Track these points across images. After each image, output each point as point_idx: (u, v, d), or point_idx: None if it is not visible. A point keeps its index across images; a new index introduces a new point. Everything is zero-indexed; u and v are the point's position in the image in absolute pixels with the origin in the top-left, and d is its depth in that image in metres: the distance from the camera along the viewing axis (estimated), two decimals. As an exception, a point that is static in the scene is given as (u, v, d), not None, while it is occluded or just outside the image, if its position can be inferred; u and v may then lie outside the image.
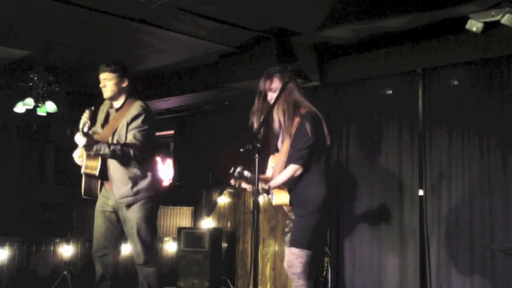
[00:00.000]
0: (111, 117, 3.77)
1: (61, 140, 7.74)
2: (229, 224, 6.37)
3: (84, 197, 3.77)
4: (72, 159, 3.76)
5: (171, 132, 7.86)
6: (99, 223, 3.76)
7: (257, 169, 2.81)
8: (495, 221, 4.15)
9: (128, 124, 3.63)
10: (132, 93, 3.80)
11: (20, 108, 6.34)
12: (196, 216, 6.78)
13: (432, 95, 4.61)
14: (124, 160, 3.59)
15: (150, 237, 3.70)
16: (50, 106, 6.41)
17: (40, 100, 6.31)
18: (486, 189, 4.22)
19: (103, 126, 3.77)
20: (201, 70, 5.79)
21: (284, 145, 3.33)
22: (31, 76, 6.08)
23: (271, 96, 3.34)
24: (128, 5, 4.17)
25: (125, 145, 3.56)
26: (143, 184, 3.66)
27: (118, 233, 3.78)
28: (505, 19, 3.78)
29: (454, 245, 4.37)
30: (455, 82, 4.55)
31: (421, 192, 4.63)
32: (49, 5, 4.12)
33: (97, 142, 3.50)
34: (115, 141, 3.63)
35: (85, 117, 3.43)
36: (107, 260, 3.74)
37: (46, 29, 4.78)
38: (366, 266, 4.87)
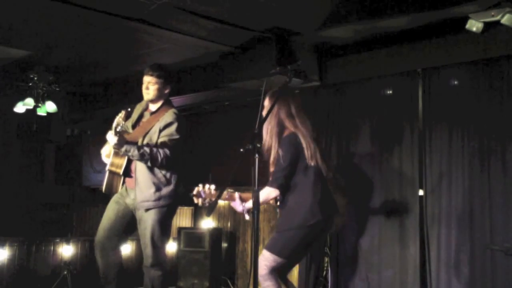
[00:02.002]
0: (144, 119, 3.79)
1: (61, 140, 7.74)
2: (229, 224, 6.37)
3: (104, 192, 3.81)
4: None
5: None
6: (109, 214, 3.76)
7: (256, 169, 2.82)
8: (495, 221, 4.14)
9: (160, 130, 3.66)
10: (169, 100, 3.85)
11: (20, 108, 6.34)
12: (196, 216, 6.78)
13: (432, 95, 4.61)
14: (151, 165, 3.61)
15: (161, 241, 3.70)
16: (50, 106, 6.40)
17: (40, 100, 6.30)
18: (486, 189, 4.22)
19: (134, 126, 3.79)
20: (201, 70, 5.78)
21: (271, 165, 3.38)
22: (31, 76, 6.07)
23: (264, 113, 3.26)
24: (128, 5, 4.16)
25: (155, 150, 3.57)
26: (166, 190, 3.66)
27: (124, 229, 3.77)
28: (505, 19, 3.77)
29: (454, 245, 4.36)
30: (455, 82, 4.55)
31: (421, 192, 4.63)
32: (49, 5, 4.12)
33: (127, 142, 3.53)
34: (145, 144, 3.64)
35: (120, 117, 3.49)
36: (107, 255, 3.72)
37: (46, 29, 4.78)
38: (366, 266, 4.87)
